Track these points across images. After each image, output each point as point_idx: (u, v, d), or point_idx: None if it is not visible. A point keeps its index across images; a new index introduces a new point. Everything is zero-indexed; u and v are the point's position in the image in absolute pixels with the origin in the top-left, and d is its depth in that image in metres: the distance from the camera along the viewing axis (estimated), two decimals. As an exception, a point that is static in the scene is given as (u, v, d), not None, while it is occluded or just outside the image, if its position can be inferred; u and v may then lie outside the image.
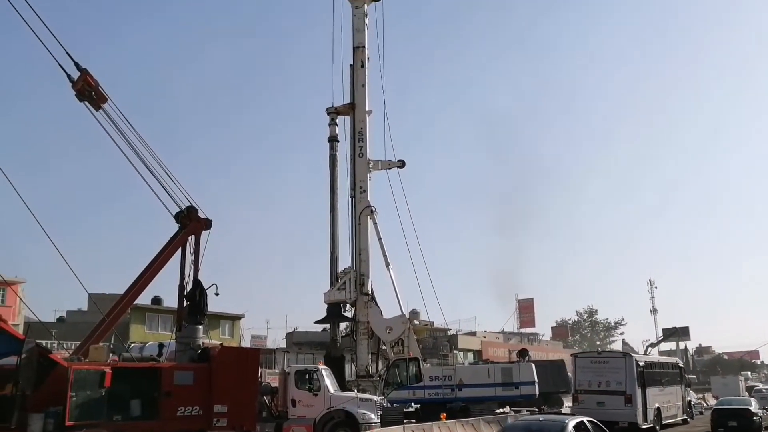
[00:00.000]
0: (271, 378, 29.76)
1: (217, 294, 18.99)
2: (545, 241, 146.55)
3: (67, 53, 17.10)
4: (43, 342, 17.61)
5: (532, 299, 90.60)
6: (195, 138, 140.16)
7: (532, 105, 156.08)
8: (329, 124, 35.98)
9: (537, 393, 32.82)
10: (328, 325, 37.03)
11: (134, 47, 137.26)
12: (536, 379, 33.37)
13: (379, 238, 33.02)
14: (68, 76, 17.30)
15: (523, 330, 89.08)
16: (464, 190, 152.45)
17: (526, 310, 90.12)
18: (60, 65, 17.13)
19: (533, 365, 34.29)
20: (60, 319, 52.77)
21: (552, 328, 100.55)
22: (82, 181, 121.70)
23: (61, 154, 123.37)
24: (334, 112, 35.79)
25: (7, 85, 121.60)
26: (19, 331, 18.79)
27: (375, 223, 33.17)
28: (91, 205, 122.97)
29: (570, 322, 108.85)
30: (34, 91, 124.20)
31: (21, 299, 33.55)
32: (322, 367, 24.65)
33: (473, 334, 73.14)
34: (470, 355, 68.20)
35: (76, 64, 17.32)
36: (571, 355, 34.47)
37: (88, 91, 17.45)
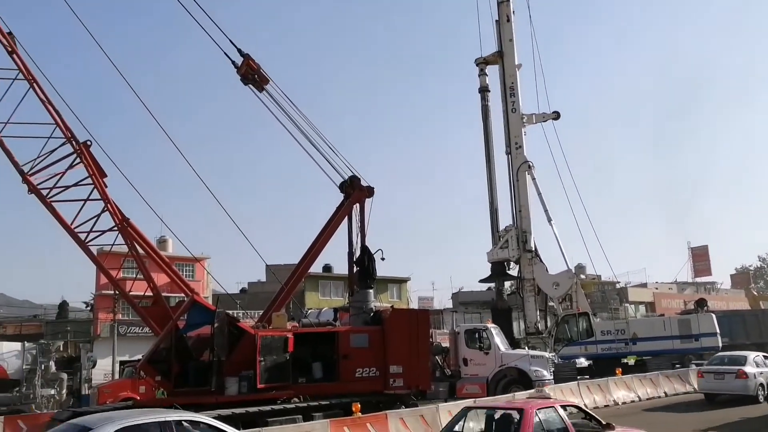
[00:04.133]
0: (440, 338, 30.34)
1: (383, 259, 19.53)
2: (720, 183, 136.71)
3: (231, 41, 18.10)
4: (231, 312, 19.01)
5: (707, 246, 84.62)
6: (348, 108, 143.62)
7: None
8: (479, 75, 35.76)
9: (720, 345, 30.98)
10: (493, 284, 37.06)
11: (287, 26, 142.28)
12: (718, 330, 31.55)
13: (539, 193, 32.41)
14: (233, 62, 18.30)
15: (698, 279, 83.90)
16: (627, 134, 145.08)
17: (700, 258, 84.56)
18: (225, 53, 18.17)
19: (713, 315, 32.42)
20: (242, 291, 56.62)
21: (731, 275, 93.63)
22: (253, 161, 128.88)
23: (232, 136, 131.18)
24: (483, 62, 35.46)
25: (180, 84, 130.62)
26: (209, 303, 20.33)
27: (533, 179, 32.55)
28: (261, 182, 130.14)
29: (752, 268, 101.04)
30: (205, 84, 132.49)
31: (209, 273, 36.38)
32: (491, 325, 24.75)
33: (644, 285, 70.07)
34: (642, 308, 65.54)
35: (239, 50, 18.28)
36: None
37: (251, 74, 18.38)
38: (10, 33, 16.66)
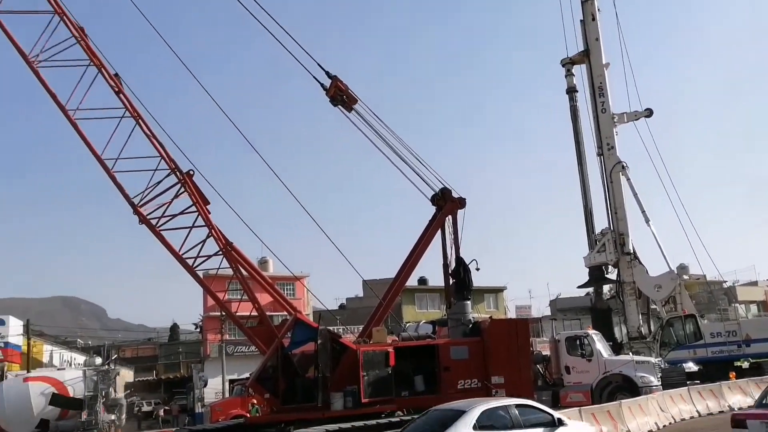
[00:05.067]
0: (540, 346, 29.96)
1: (478, 269, 19.51)
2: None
3: (318, 65, 18.69)
4: (332, 328, 19.46)
5: (823, 238, 79.66)
6: (427, 115, 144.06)
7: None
8: (565, 76, 35.45)
9: None
10: (591, 289, 36.33)
11: (359, 42, 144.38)
12: None
13: (635, 194, 31.69)
14: (321, 84, 18.86)
15: (818, 274, 78.74)
16: (719, 124, 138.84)
17: (816, 251, 79.55)
18: (314, 76, 18.76)
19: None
20: (341, 306, 57.66)
21: None
22: (345, 176, 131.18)
23: (323, 154, 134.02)
24: (569, 62, 35.15)
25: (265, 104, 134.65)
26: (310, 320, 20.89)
27: (628, 179, 31.86)
28: (354, 198, 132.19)
29: None
30: (284, 98, 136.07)
31: (309, 291, 37.23)
32: (592, 332, 24.26)
33: (754, 283, 66.60)
34: (753, 307, 62.32)
35: (327, 73, 18.81)
36: None
37: (339, 95, 18.86)
38: (116, 74, 17.84)
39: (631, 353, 25.98)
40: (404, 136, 19.43)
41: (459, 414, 10.98)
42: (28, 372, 35.48)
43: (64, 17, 17.65)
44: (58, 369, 35.34)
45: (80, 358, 56.02)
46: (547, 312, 60.49)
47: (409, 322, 31.39)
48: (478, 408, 11.07)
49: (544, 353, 25.29)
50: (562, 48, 35.03)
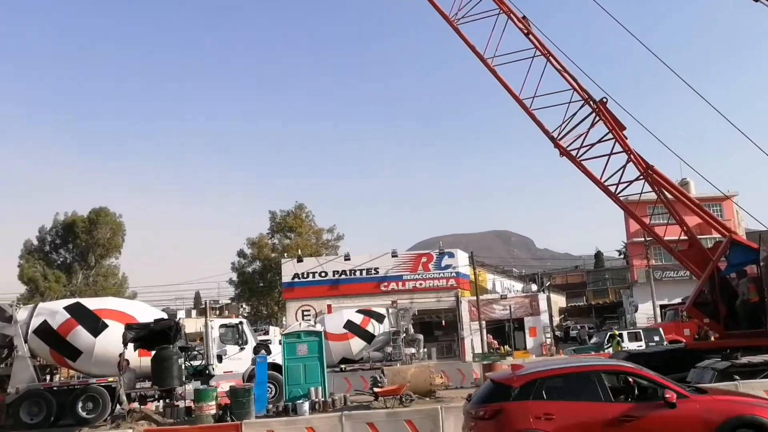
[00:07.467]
0: None
1: None
2: None
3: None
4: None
5: None
6: None
7: None
8: None
9: None
10: None
11: None
12: None
13: None
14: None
15: None
16: None
17: None
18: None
19: None
20: (780, 225, 51.57)
21: None
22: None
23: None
24: None
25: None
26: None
27: None
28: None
29: None
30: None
31: (741, 209, 33.94)
32: None
33: None
34: None
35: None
36: None
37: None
38: (524, 17, 18.65)
39: None
40: None
41: None
42: (477, 297, 40.52)
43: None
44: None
45: (517, 286, 60.65)
46: None
47: None
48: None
49: None
50: None
